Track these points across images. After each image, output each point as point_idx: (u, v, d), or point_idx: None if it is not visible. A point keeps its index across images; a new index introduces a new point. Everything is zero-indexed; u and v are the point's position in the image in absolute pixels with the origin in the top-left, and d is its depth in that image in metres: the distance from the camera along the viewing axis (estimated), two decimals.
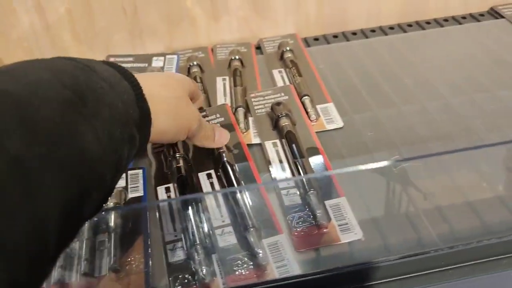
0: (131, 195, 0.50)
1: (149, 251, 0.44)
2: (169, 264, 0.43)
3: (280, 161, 0.52)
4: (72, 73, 0.32)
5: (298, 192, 0.49)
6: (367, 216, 0.46)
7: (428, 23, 0.78)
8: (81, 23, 0.71)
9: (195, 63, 0.69)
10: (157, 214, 0.48)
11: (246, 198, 0.48)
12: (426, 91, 0.62)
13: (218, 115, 0.59)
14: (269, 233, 0.45)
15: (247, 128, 0.57)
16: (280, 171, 0.51)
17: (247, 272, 0.42)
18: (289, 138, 0.53)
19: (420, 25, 0.77)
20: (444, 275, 0.42)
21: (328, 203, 0.47)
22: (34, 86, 0.28)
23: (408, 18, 0.79)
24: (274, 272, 0.42)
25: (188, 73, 0.68)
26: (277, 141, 0.55)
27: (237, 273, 0.42)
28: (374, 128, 0.57)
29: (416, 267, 0.43)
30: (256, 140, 0.56)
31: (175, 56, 0.72)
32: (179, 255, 0.44)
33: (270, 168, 0.52)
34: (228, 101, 0.62)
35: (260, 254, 0.43)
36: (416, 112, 0.59)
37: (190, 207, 0.47)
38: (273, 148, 0.54)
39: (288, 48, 0.70)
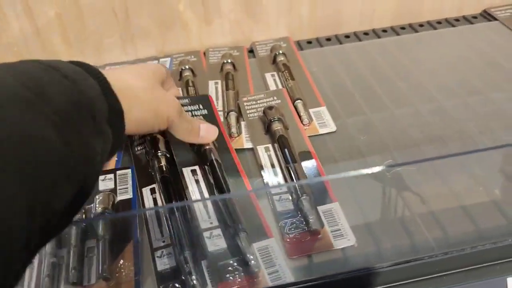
0: (120, 197, 0.49)
1: (140, 258, 0.43)
2: (158, 273, 0.43)
3: (273, 166, 0.52)
4: (33, 73, 0.32)
5: (290, 198, 0.48)
6: (360, 221, 0.46)
7: (421, 25, 0.78)
8: (72, 27, 0.70)
9: (187, 67, 0.68)
10: (144, 220, 0.47)
11: (235, 202, 0.47)
12: (419, 94, 0.61)
13: (200, 106, 0.58)
14: (259, 237, 0.44)
15: (239, 132, 0.57)
16: (272, 176, 0.51)
17: (239, 280, 0.42)
18: (281, 143, 0.52)
19: (413, 28, 0.77)
20: (438, 281, 0.42)
21: (321, 208, 0.46)
22: None
23: (401, 21, 0.78)
24: (266, 279, 0.41)
25: (180, 77, 0.67)
26: (270, 145, 0.54)
27: (228, 281, 0.41)
28: (367, 132, 0.56)
29: (410, 274, 0.42)
30: (248, 145, 0.55)
31: (168, 59, 0.72)
32: (168, 263, 0.43)
33: (262, 173, 0.51)
34: (220, 105, 0.61)
35: (252, 261, 0.42)
36: (409, 115, 0.58)
37: (176, 212, 0.46)
38: (265, 153, 0.53)
39: (280, 52, 0.69)
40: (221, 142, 0.54)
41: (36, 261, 0.42)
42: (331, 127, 0.57)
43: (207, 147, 0.51)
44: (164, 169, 0.50)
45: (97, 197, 0.48)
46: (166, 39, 0.74)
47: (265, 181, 0.50)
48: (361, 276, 0.42)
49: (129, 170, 0.52)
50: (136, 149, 0.55)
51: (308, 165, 0.51)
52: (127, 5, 0.70)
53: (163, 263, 0.43)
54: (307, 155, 0.52)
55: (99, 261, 0.42)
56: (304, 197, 0.46)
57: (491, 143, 0.53)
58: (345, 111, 0.59)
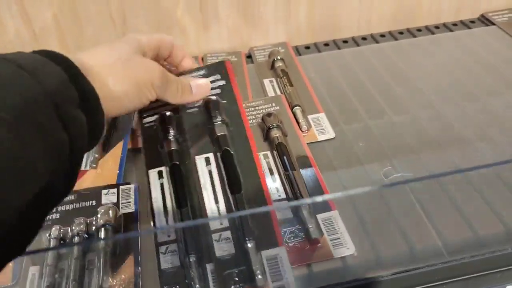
0: (122, 211, 0.49)
1: (140, 270, 0.43)
2: (162, 271, 0.42)
3: (271, 173, 0.52)
4: None
5: (289, 208, 0.48)
6: (359, 230, 0.46)
7: (419, 30, 0.78)
8: (69, 32, 0.70)
9: None
10: (150, 208, 0.47)
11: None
12: (417, 100, 0.62)
13: (218, 76, 0.56)
14: (269, 245, 0.43)
15: None
16: (271, 183, 0.51)
17: None
18: (280, 150, 0.52)
19: (411, 33, 0.77)
20: None
21: (320, 216, 0.46)
22: None
23: (399, 26, 0.78)
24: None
25: None
26: (268, 152, 0.54)
27: None
28: (365, 138, 0.56)
29: (409, 283, 0.42)
30: None
31: None
32: (171, 261, 0.43)
33: None
34: None
35: (259, 276, 0.41)
36: (407, 122, 0.58)
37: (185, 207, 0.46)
38: (264, 160, 0.53)
39: (279, 57, 0.69)
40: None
41: (37, 273, 0.42)
42: (330, 133, 0.57)
43: (220, 133, 0.50)
44: (174, 155, 0.49)
45: (99, 209, 0.47)
46: None
47: None
48: (360, 286, 0.42)
49: (132, 186, 0.51)
50: (145, 122, 0.53)
51: (307, 173, 0.51)
52: (124, 10, 0.70)
53: (167, 261, 0.43)
54: (306, 162, 0.52)
55: (100, 274, 0.42)
56: (303, 205, 0.47)
57: (490, 150, 0.53)
58: (344, 117, 0.59)
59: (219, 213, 0.46)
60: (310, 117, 0.59)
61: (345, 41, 0.77)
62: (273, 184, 0.50)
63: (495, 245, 0.43)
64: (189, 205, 0.46)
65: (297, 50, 0.75)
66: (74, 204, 0.51)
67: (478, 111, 0.59)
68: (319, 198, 0.43)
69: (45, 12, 0.67)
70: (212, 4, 0.71)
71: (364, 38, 0.77)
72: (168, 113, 0.53)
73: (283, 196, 0.49)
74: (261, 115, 0.58)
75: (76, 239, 0.46)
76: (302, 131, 0.57)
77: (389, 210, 0.47)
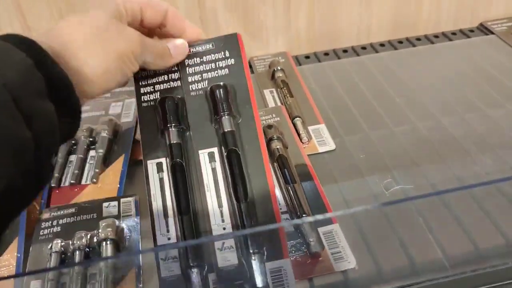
0: (123, 223, 0.49)
1: (141, 285, 0.43)
2: (162, 280, 0.41)
3: None
4: None
5: (290, 218, 0.48)
6: (360, 243, 0.46)
7: (418, 39, 0.78)
8: None
9: None
10: (148, 207, 0.43)
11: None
12: (417, 110, 0.62)
13: (227, 54, 0.49)
14: (274, 257, 0.42)
15: None
16: None
17: None
18: (281, 163, 0.53)
19: (411, 42, 0.77)
20: None
21: (321, 230, 0.46)
22: None
23: (398, 35, 0.79)
24: None
25: None
26: (271, 169, 0.54)
27: None
28: (366, 150, 0.56)
29: None
30: None
31: None
32: (173, 269, 0.41)
33: None
34: None
35: None
36: (407, 133, 0.58)
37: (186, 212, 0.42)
38: None
39: (279, 68, 0.69)
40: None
41: (39, 287, 0.42)
42: (331, 145, 0.57)
43: (227, 129, 0.45)
44: (176, 150, 0.45)
45: (101, 223, 0.47)
46: None
47: None
48: None
49: (132, 198, 0.52)
50: (143, 100, 0.48)
51: (307, 185, 0.51)
52: None
53: (168, 269, 0.41)
54: (306, 175, 0.52)
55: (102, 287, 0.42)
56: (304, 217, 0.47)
57: (490, 161, 0.54)
58: (344, 128, 0.60)
59: (223, 219, 0.42)
60: (310, 128, 0.59)
61: (345, 51, 0.77)
62: None
63: (496, 259, 0.43)
64: (191, 209, 0.43)
65: (297, 60, 0.75)
66: (75, 217, 0.51)
67: (478, 121, 0.59)
68: (320, 217, 0.43)
69: (45, 20, 0.68)
70: (212, 14, 0.71)
71: (363, 48, 0.77)
72: (169, 100, 0.47)
73: (284, 209, 0.49)
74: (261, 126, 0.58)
75: (77, 253, 0.46)
76: (302, 142, 0.57)
77: (390, 223, 0.47)
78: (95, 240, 0.47)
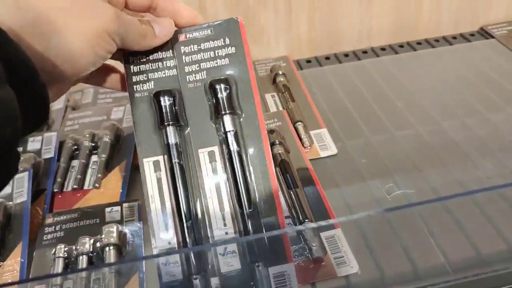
0: (126, 228, 0.49)
1: None
2: (164, 285, 0.40)
3: None
4: None
5: (292, 224, 0.48)
6: (363, 248, 0.46)
7: (419, 43, 0.78)
8: None
9: None
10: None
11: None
12: (418, 115, 0.62)
13: (227, 41, 0.44)
14: (277, 261, 0.41)
15: None
16: None
17: None
18: (283, 167, 0.53)
19: (411, 46, 0.78)
20: None
21: (323, 235, 0.47)
22: None
23: (399, 39, 0.79)
24: None
25: None
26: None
27: None
28: (367, 154, 0.57)
29: None
30: None
31: None
32: (174, 273, 0.40)
33: None
34: None
35: None
36: (408, 137, 0.59)
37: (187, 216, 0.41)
38: None
39: (280, 72, 0.70)
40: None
41: None
42: (332, 150, 0.57)
43: (229, 129, 0.42)
44: (174, 151, 0.42)
45: (103, 228, 0.48)
46: None
47: None
48: None
49: (135, 203, 0.52)
50: (136, 90, 0.44)
51: (309, 190, 0.51)
52: None
53: (169, 273, 0.40)
54: (308, 180, 0.52)
55: None
56: (306, 222, 0.47)
57: (491, 165, 0.54)
58: (346, 133, 0.60)
59: (225, 223, 0.41)
60: (312, 132, 0.60)
61: (346, 55, 0.77)
62: None
63: (498, 263, 0.44)
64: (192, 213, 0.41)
65: (298, 64, 0.75)
66: (78, 222, 0.51)
67: (478, 125, 0.59)
68: (323, 223, 0.43)
69: None
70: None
71: (364, 52, 0.77)
72: (165, 94, 0.43)
73: (287, 213, 0.49)
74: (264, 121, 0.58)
75: (81, 258, 0.47)
76: (304, 147, 0.57)
77: (392, 228, 0.47)
78: (98, 245, 0.47)
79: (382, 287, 0.43)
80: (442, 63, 0.72)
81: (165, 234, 0.41)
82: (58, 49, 0.33)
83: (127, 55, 0.44)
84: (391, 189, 0.52)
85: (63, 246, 0.47)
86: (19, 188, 0.53)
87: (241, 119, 0.43)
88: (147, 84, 0.44)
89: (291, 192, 0.50)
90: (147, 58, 0.44)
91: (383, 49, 0.78)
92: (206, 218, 0.42)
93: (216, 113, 0.43)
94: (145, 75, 0.44)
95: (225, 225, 0.41)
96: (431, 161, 0.55)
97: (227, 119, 0.43)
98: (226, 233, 0.41)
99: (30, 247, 0.48)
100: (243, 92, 0.44)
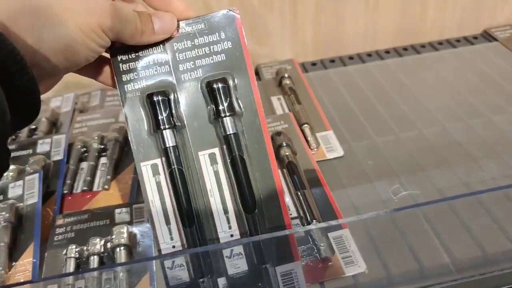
0: (136, 228, 0.50)
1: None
2: None
3: None
4: None
5: (300, 224, 0.49)
6: (370, 248, 0.47)
7: (423, 46, 0.79)
8: None
9: None
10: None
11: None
12: (423, 117, 0.63)
13: (222, 35, 0.41)
14: (284, 260, 0.42)
15: None
16: None
17: None
18: (290, 169, 0.53)
19: (415, 49, 0.78)
20: None
21: (331, 235, 0.47)
22: None
23: (403, 42, 0.80)
24: None
25: None
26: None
27: None
28: (373, 156, 0.57)
29: None
30: None
31: None
32: (181, 277, 0.41)
33: None
34: None
35: None
36: (414, 139, 0.59)
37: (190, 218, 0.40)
38: None
39: (286, 75, 0.70)
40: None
41: None
42: (339, 151, 0.58)
43: (230, 132, 0.40)
44: (173, 155, 0.40)
45: (114, 229, 0.48)
46: None
47: None
48: None
49: (144, 204, 0.52)
50: (128, 90, 0.41)
51: (317, 191, 0.52)
52: None
53: (176, 277, 0.40)
54: (315, 181, 0.53)
55: None
56: (314, 223, 0.48)
57: (495, 166, 0.54)
58: (351, 135, 0.61)
59: (229, 226, 0.41)
60: (318, 135, 0.60)
61: (350, 58, 0.78)
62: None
63: (503, 262, 0.44)
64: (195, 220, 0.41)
65: (304, 67, 0.76)
66: (88, 223, 0.52)
67: (483, 127, 0.60)
68: (333, 222, 0.44)
69: None
70: None
71: (369, 55, 0.78)
72: (159, 95, 0.40)
73: (295, 214, 0.50)
74: (270, 133, 0.59)
75: (92, 258, 0.47)
76: (311, 149, 0.58)
77: (399, 228, 0.48)
78: (108, 246, 0.48)
79: (389, 286, 0.44)
80: (446, 66, 0.73)
81: (168, 239, 0.41)
82: (49, 43, 0.32)
83: (115, 51, 0.40)
84: (397, 190, 0.52)
85: (74, 246, 0.48)
86: (30, 190, 0.54)
87: (242, 119, 0.41)
88: (139, 82, 0.41)
89: (299, 193, 0.51)
90: (137, 54, 0.41)
91: (387, 52, 0.78)
92: (210, 221, 0.41)
93: (215, 114, 0.41)
94: (136, 73, 0.41)
95: (230, 227, 0.41)
96: (436, 162, 0.56)
97: (227, 122, 0.41)
98: (232, 236, 0.41)
99: (41, 248, 0.49)
100: (242, 89, 0.41)
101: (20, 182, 0.55)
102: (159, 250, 0.41)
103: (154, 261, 0.46)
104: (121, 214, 0.52)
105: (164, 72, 0.41)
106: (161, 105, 0.40)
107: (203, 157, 0.41)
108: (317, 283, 0.44)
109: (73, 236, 0.50)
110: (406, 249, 0.46)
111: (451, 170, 0.54)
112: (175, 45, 0.41)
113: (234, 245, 0.41)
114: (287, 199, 0.51)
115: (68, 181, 0.57)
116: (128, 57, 0.41)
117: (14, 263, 0.48)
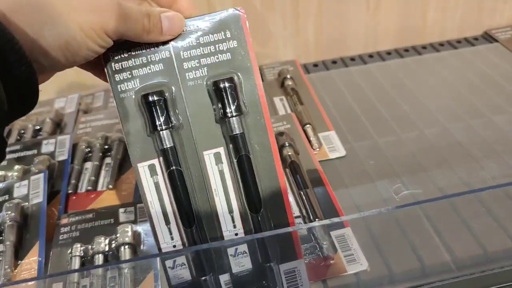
0: (140, 227, 0.51)
1: (159, 286, 0.44)
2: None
3: None
4: None
5: (303, 223, 0.49)
6: (372, 246, 0.47)
7: (424, 47, 0.80)
8: None
9: None
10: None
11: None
12: (424, 117, 0.63)
13: (227, 34, 0.40)
14: (288, 258, 0.42)
15: None
16: None
17: None
18: (293, 169, 0.54)
19: (417, 50, 0.79)
20: None
21: (333, 233, 0.48)
22: None
23: (404, 43, 0.80)
24: None
25: None
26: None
27: None
28: (375, 156, 0.58)
29: None
30: None
31: None
32: (182, 276, 0.41)
33: None
34: None
35: None
36: (415, 139, 0.60)
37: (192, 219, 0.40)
38: None
39: (288, 76, 0.71)
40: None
41: None
42: (341, 151, 0.58)
43: (236, 132, 0.40)
44: (170, 156, 0.39)
45: (118, 228, 0.49)
46: None
47: None
48: None
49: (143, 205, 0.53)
50: (121, 90, 0.39)
51: (319, 191, 0.52)
52: None
53: (177, 277, 0.40)
54: (318, 181, 0.53)
55: None
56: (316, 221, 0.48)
57: (495, 166, 0.55)
58: (353, 135, 0.61)
59: (234, 225, 0.41)
60: (320, 135, 0.61)
61: (352, 59, 0.78)
62: None
63: (504, 260, 0.45)
64: (196, 219, 0.40)
65: (306, 68, 0.77)
66: (93, 222, 0.52)
67: (483, 128, 0.61)
68: (336, 219, 0.44)
69: None
70: None
71: (370, 56, 0.79)
72: (154, 97, 0.39)
73: (297, 213, 0.50)
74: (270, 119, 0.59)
75: (97, 257, 0.48)
76: (313, 149, 0.58)
77: (400, 227, 0.48)
78: (113, 244, 0.49)
79: (391, 283, 0.44)
80: (446, 67, 0.74)
81: (169, 238, 0.41)
82: (49, 39, 0.31)
83: (107, 50, 0.37)
84: (398, 189, 0.53)
85: (79, 245, 0.49)
86: (35, 189, 0.55)
87: (247, 119, 0.41)
88: (132, 82, 0.39)
89: (302, 192, 0.51)
90: (129, 53, 0.39)
91: (388, 53, 0.79)
92: (215, 220, 0.41)
93: (221, 114, 0.40)
94: (129, 72, 0.39)
95: (234, 226, 0.41)
96: (437, 162, 0.56)
97: (234, 122, 0.40)
98: (236, 234, 0.41)
99: (46, 247, 0.50)
100: (248, 89, 0.41)
101: (26, 182, 0.56)
102: (159, 250, 0.41)
103: (158, 259, 0.47)
104: (126, 213, 0.53)
105: (165, 70, 0.40)
106: (157, 106, 0.39)
107: (208, 156, 0.40)
108: (319, 280, 0.45)
109: (77, 235, 0.51)
110: (407, 247, 0.47)
111: (452, 170, 0.55)
112: (180, 44, 0.40)
113: (237, 242, 0.41)
114: (291, 199, 0.52)
115: (72, 181, 0.58)
116: (121, 56, 0.39)
117: (20, 261, 0.48)
